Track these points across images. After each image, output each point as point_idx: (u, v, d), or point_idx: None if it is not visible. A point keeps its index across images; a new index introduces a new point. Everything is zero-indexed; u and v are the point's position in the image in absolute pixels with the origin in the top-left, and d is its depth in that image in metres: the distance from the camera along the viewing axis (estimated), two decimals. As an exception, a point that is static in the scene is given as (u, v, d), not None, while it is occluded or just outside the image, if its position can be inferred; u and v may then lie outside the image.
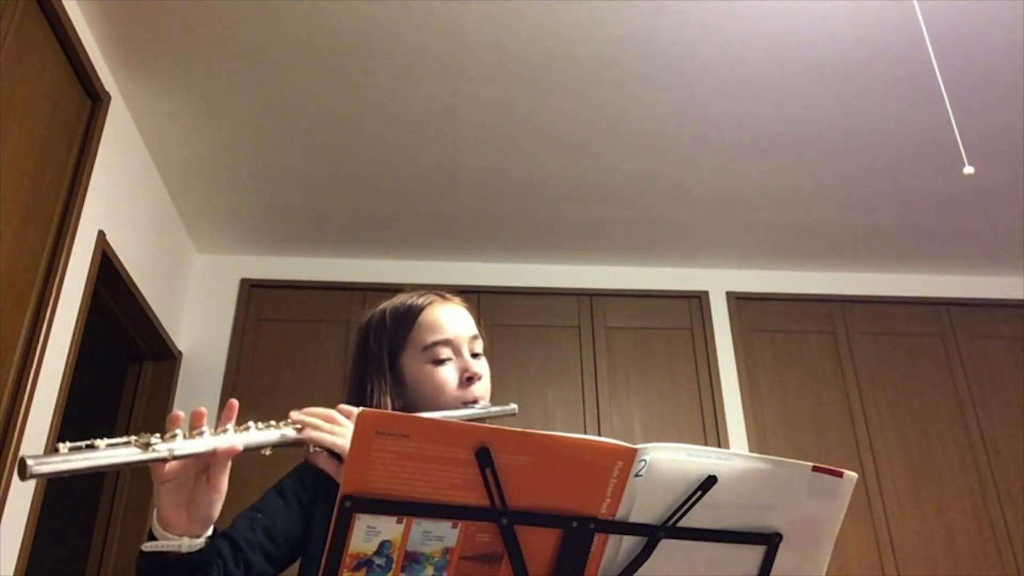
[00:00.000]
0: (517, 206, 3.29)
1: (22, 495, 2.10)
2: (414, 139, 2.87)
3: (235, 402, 0.90)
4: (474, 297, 3.48)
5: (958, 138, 2.54)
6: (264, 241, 3.52)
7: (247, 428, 0.89)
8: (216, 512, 0.87)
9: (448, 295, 1.23)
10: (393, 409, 1.12)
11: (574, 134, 2.86)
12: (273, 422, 0.93)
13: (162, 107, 2.69)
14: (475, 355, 1.18)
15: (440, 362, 1.15)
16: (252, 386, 3.32)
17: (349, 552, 0.72)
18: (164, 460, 0.80)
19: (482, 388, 1.16)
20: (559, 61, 2.52)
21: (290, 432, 0.93)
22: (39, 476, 0.73)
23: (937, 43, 2.34)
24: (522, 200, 3.25)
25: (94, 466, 0.76)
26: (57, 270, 2.21)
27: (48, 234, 2.20)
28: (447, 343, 1.16)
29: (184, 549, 0.85)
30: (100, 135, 2.41)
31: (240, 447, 0.86)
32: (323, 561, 0.72)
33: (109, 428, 3.19)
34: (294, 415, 0.97)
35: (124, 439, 0.79)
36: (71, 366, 2.35)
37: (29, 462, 0.72)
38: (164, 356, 3.28)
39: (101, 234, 2.52)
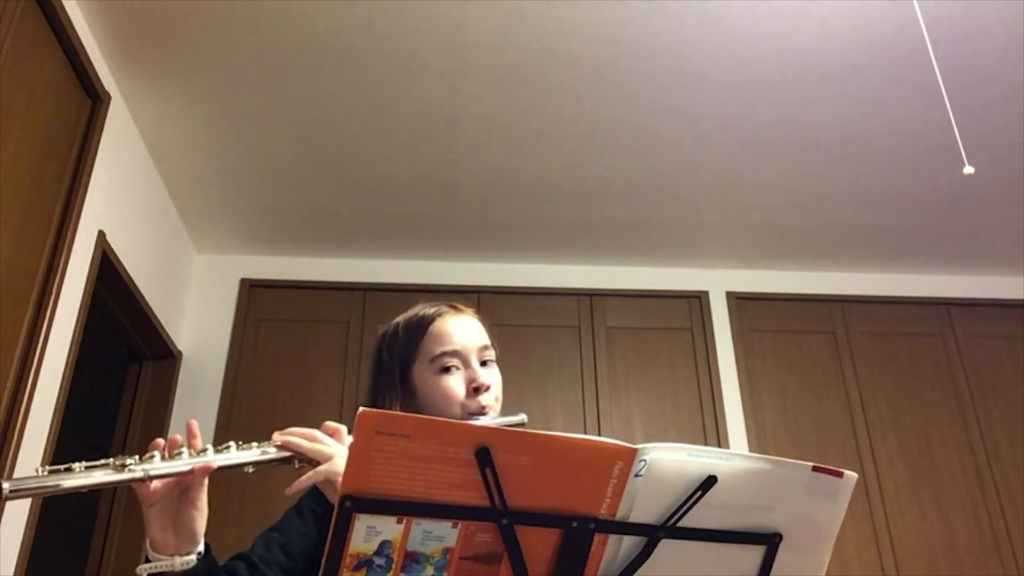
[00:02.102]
0: (517, 206, 3.29)
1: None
2: (414, 139, 2.87)
3: (193, 423, 0.93)
4: (474, 297, 3.49)
5: (958, 138, 2.54)
6: (264, 241, 3.53)
7: (227, 447, 0.92)
8: (200, 528, 0.90)
9: (460, 306, 1.24)
10: None
11: (574, 134, 2.86)
12: (255, 443, 0.94)
13: (162, 107, 2.69)
14: (484, 364, 1.18)
15: (448, 372, 1.15)
16: (252, 386, 3.32)
17: (349, 552, 0.72)
18: (140, 480, 0.84)
19: (490, 398, 1.16)
20: (559, 61, 2.52)
21: (271, 449, 0.94)
22: (13, 497, 0.76)
23: (937, 43, 2.34)
24: (522, 200, 3.25)
25: (70, 486, 0.80)
26: (57, 270, 2.21)
27: (48, 234, 2.20)
28: (455, 354, 1.16)
29: (177, 568, 0.88)
30: (100, 135, 2.41)
31: (215, 465, 0.88)
32: (323, 561, 0.72)
33: (109, 428, 3.20)
34: (276, 436, 0.98)
35: (102, 461, 0.83)
36: (71, 366, 2.35)
37: (4, 485, 0.75)
38: (164, 356, 3.28)
39: (101, 234, 2.52)
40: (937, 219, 3.41)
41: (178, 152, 2.92)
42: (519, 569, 0.76)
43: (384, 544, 0.73)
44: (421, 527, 0.73)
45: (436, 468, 0.71)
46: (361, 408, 0.70)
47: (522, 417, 1.15)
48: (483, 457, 0.71)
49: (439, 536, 0.74)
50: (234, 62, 2.50)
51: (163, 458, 0.86)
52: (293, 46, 2.44)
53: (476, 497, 0.73)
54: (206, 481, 0.89)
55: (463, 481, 0.72)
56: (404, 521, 0.73)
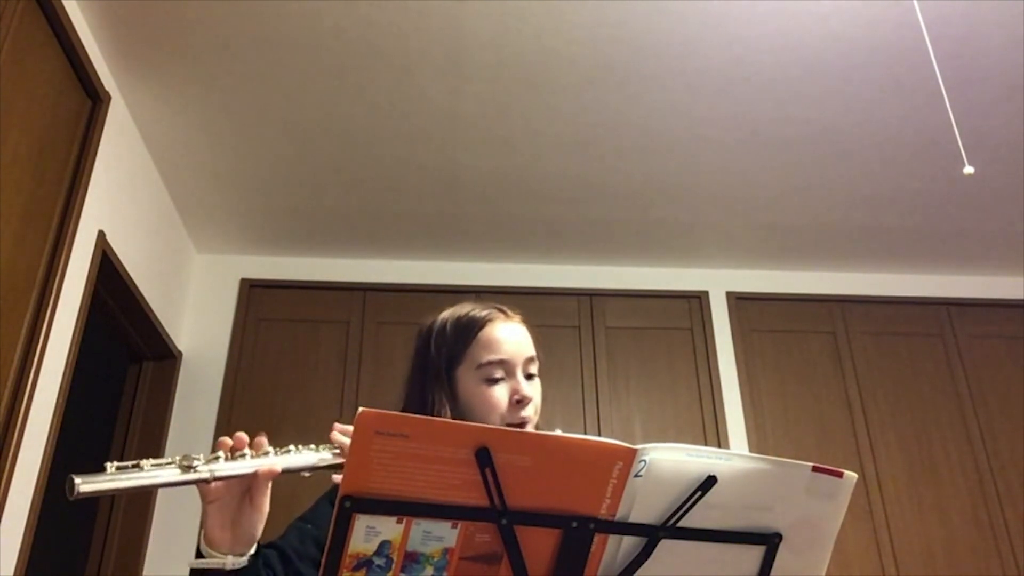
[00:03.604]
0: (517, 206, 3.29)
1: (22, 495, 2.10)
2: (414, 139, 2.87)
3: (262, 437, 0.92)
4: (474, 297, 3.48)
5: (958, 138, 2.54)
6: (264, 241, 3.53)
7: (288, 450, 0.91)
8: (258, 531, 0.90)
9: (510, 312, 1.23)
10: None
11: (574, 134, 2.86)
12: (313, 445, 0.94)
13: (162, 107, 2.69)
14: (529, 376, 1.18)
15: (493, 382, 1.15)
16: (252, 386, 3.32)
17: (349, 552, 0.72)
18: (206, 481, 0.84)
19: (531, 410, 1.16)
20: (559, 61, 2.52)
21: (328, 455, 0.94)
22: (86, 495, 0.76)
23: (937, 43, 2.33)
24: (522, 200, 3.25)
25: (138, 485, 0.80)
26: (57, 270, 2.21)
27: (48, 234, 2.20)
28: (501, 364, 1.15)
29: (228, 567, 0.88)
30: (100, 135, 2.41)
31: (279, 469, 0.88)
32: (323, 561, 0.72)
33: (109, 428, 3.20)
34: (336, 436, 0.97)
35: (168, 459, 0.83)
36: (71, 366, 2.34)
37: (76, 480, 0.75)
38: (164, 356, 3.28)
39: (101, 234, 2.52)
40: (937, 219, 3.40)
41: (178, 152, 2.92)
42: (519, 569, 0.76)
43: (384, 544, 0.73)
44: (421, 527, 0.73)
45: (436, 468, 0.71)
46: (360, 408, 0.70)
47: (557, 432, 1.14)
48: (483, 457, 0.71)
49: (439, 536, 0.74)
50: (234, 62, 2.50)
51: (227, 458, 0.86)
52: (293, 46, 2.44)
53: (476, 497, 0.73)
54: (269, 485, 0.89)
55: (463, 481, 0.72)
56: (404, 521, 0.73)
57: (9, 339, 2.01)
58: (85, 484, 0.75)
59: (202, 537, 0.89)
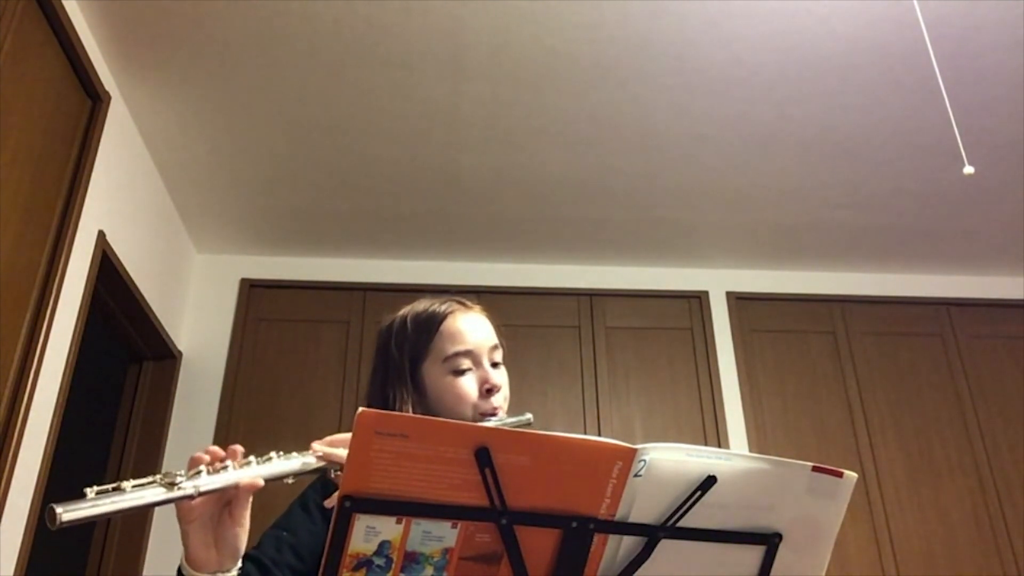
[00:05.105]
0: (517, 206, 3.29)
1: (22, 495, 2.10)
2: (414, 139, 2.87)
3: (238, 447, 0.90)
4: (474, 297, 3.47)
5: (958, 138, 2.54)
6: (264, 241, 3.53)
7: (269, 459, 0.89)
8: (243, 545, 0.88)
9: (469, 303, 1.23)
10: None
11: (574, 134, 2.86)
12: (295, 452, 0.92)
13: (162, 107, 2.69)
14: (495, 364, 1.18)
15: (460, 373, 1.15)
16: (252, 386, 3.32)
17: (349, 552, 0.72)
18: (190, 497, 0.81)
19: (501, 398, 1.16)
20: (559, 61, 2.52)
21: (311, 459, 0.93)
22: (68, 523, 0.73)
23: (937, 43, 2.34)
24: (522, 200, 3.25)
25: (122, 508, 0.77)
26: (57, 270, 2.21)
27: (48, 234, 2.20)
28: (467, 354, 1.15)
29: None
30: (100, 135, 2.41)
31: (262, 481, 0.86)
32: (323, 561, 0.72)
33: (109, 428, 3.20)
34: (316, 446, 0.95)
35: (149, 479, 0.80)
36: (71, 366, 2.34)
37: (58, 510, 0.72)
38: (164, 356, 3.28)
39: (101, 234, 2.52)
40: (937, 219, 3.40)
41: (178, 152, 2.92)
42: (519, 569, 0.76)
43: (384, 544, 0.73)
44: (420, 527, 0.73)
45: (435, 468, 0.71)
46: (360, 408, 0.70)
47: (528, 416, 1.14)
48: (482, 457, 0.71)
49: (439, 536, 0.74)
50: (234, 62, 2.50)
51: (209, 472, 0.83)
52: (293, 46, 2.44)
53: (476, 497, 0.73)
54: (251, 498, 0.87)
55: (463, 481, 0.72)
56: (404, 521, 0.73)
57: (9, 339, 2.01)
58: (67, 512, 0.72)
59: (183, 559, 0.86)
